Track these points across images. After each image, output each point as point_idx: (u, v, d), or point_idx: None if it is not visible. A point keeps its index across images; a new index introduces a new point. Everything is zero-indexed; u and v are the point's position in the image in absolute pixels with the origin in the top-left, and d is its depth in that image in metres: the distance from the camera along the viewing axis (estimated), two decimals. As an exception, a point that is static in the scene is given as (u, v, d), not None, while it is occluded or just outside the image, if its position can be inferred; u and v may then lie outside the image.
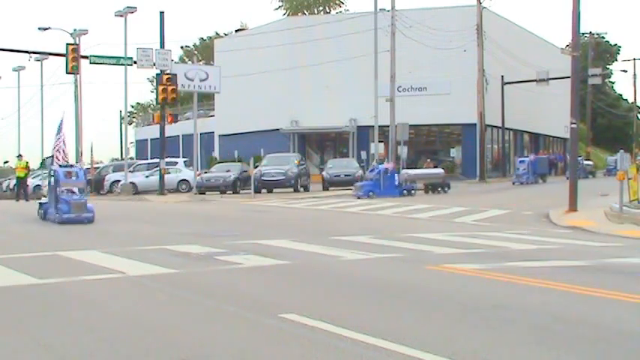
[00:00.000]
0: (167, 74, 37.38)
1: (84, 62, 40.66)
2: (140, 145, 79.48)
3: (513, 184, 44.60)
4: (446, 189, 35.58)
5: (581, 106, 42.08)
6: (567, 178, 49.22)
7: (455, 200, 30.65)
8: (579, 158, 51.72)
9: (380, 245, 15.00)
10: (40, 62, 48.15)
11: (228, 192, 39.50)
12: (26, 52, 44.27)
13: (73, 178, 21.46)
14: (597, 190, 32.75)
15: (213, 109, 65.37)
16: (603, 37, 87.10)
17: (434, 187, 35.37)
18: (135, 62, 39.83)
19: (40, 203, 22.89)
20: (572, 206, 24.07)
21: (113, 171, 46.15)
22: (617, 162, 61.85)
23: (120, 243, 15.74)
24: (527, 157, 48.36)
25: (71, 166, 22.64)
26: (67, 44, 40.40)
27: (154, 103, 77.56)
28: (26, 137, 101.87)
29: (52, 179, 21.80)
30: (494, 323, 8.02)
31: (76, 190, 21.59)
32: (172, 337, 7.51)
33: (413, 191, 33.65)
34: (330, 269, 12.04)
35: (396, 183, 33.71)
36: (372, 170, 35.13)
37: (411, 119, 44.27)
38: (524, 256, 13.53)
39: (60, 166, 21.77)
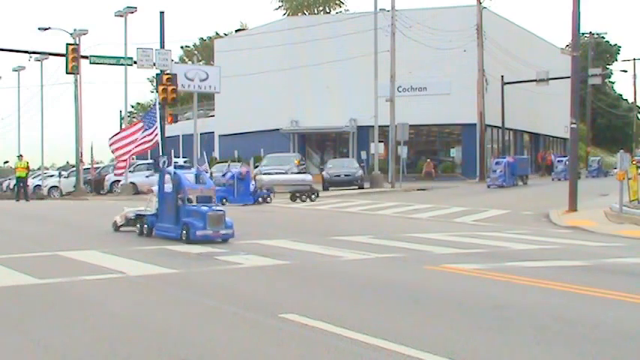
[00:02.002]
0: (167, 74, 37.32)
1: (84, 62, 40.71)
2: (140, 145, 79.47)
3: (488, 187, 41.30)
4: (313, 197, 31.52)
5: (581, 106, 42.12)
6: (553, 180, 49.72)
7: (455, 200, 30.67)
8: (564, 158, 51.82)
9: (380, 245, 15.00)
10: (40, 62, 48.07)
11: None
12: (26, 52, 44.28)
13: (201, 182, 16.48)
14: (596, 190, 32.76)
15: (213, 109, 65.37)
16: (603, 37, 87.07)
17: (300, 194, 31.47)
18: (135, 62, 39.83)
19: (138, 215, 17.43)
20: (572, 206, 24.08)
21: (113, 171, 46.14)
22: (599, 163, 61.72)
23: (120, 243, 15.73)
24: (504, 157, 45.19)
25: (189, 167, 18.18)
26: (67, 44, 40.43)
27: (154, 103, 77.60)
28: (26, 137, 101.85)
29: (169, 185, 16.55)
30: (494, 323, 8.02)
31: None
32: (172, 337, 7.51)
33: (269, 199, 30.17)
34: (330, 269, 12.04)
35: (251, 189, 29.96)
36: (224, 174, 31.14)
37: (411, 119, 44.28)
38: (524, 256, 13.53)
39: (177, 166, 17.17)
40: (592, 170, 57.22)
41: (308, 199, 31.34)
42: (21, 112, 53.75)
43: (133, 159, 19.39)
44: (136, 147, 18.60)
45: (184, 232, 15.35)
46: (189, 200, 16.03)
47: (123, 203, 33.46)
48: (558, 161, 53.04)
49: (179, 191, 16.02)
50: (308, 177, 33.94)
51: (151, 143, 18.39)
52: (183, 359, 6.67)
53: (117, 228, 17.98)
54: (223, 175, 31.13)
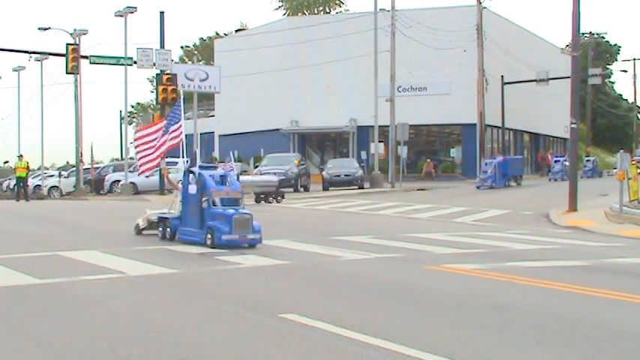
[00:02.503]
0: (167, 74, 37.37)
1: (84, 62, 40.67)
2: (140, 145, 79.40)
3: (478, 188, 40.03)
4: (279, 199, 30.44)
5: (581, 106, 42.09)
6: (550, 180, 49.10)
7: (455, 200, 30.67)
8: (561, 158, 51.50)
9: (380, 245, 15.00)
10: (40, 62, 48.04)
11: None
12: (26, 52, 44.24)
13: (228, 184, 15.44)
14: (596, 190, 32.75)
15: (213, 109, 65.38)
16: (603, 37, 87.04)
17: (266, 195, 30.24)
18: (135, 62, 39.81)
19: (160, 217, 16.50)
20: (572, 206, 24.07)
21: (113, 171, 46.10)
22: (594, 163, 60.38)
23: (120, 243, 15.72)
24: (494, 158, 43.59)
25: (214, 167, 16.98)
26: (67, 44, 40.41)
27: (154, 103, 77.56)
28: (26, 137, 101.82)
29: (193, 186, 15.49)
30: (494, 323, 8.02)
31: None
32: (172, 337, 7.51)
33: (271, 199, 29.71)
34: (330, 269, 12.04)
35: None
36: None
37: (411, 119, 44.29)
38: (525, 256, 13.54)
39: (202, 166, 15.93)
40: (587, 170, 55.88)
41: (274, 201, 30.14)
42: (21, 112, 53.74)
43: (164, 158, 18.31)
44: (161, 145, 17.50)
45: (209, 236, 14.47)
46: (214, 203, 14.97)
47: (123, 203, 33.50)
48: (555, 161, 52.36)
49: (203, 193, 15.01)
50: (274, 178, 32.47)
51: (177, 141, 17.35)
52: (183, 359, 6.67)
53: (139, 231, 17.14)
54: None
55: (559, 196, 25.01)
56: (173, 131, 17.36)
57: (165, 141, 17.75)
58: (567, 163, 50.08)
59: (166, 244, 15.29)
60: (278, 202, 30.31)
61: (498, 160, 41.98)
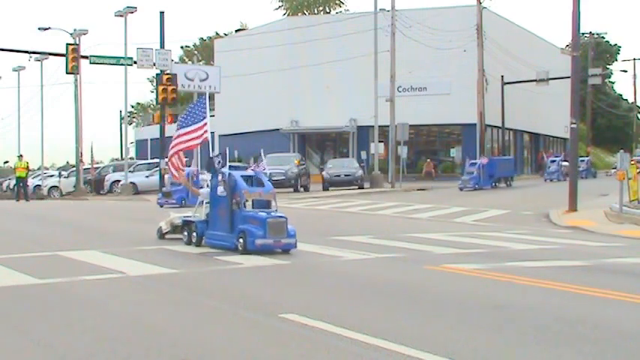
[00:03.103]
0: (167, 74, 37.39)
1: (84, 62, 40.68)
2: (140, 145, 79.47)
3: (461, 190, 38.38)
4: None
5: (581, 106, 42.04)
6: (546, 180, 48.28)
7: (455, 200, 30.67)
8: (558, 158, 50.91)
9: (380, 245, 15.00)
10: (40, 62, 48.06)
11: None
12: (26, 52, 44.25)
13: (259, 185, 14.66)
14: (596, 190, 32.74)
15: (213, 109, 65.37)
16: (603, 37, 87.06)
17: None
18: (135, 62, 39.83)
19: (185, 221, 15.53)
20: (572, 206, 24.07)
21: (113, 171, 46.14)
22: (588, 163, 58.86)
23: (120, 243, 15.73)
24: (478, 159, 41.88)
25: (244, 167, 15.64)
26: (67, 44, 40.42)
27: (154, 103, 77.56)
28: (26, 137, 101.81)
29: (221, 187, 14.65)
30: (494, 323, 8.02)
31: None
32: (172, 337, 7.51)
33: None
34: (330, 269, 12.04)
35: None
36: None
37: (411, 119, 44.28)
38: (525, 256, 13.54)
39: (233, 167, 15.23)
40: (581, 171, 54.03)
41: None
42: (21, 112, 53.77)
43: (183, 158, 17.16)
44: (182, 144, 16.31)
45: (241, 240, 13.61)
46: (245, 205, 14.13)
47: (123, 203, 33.52)
48: (551, 161, 51.09)
49: (234, 195, 14.13)
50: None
51: (200, 140, 16.05)
52: (183, 359, 6.67)
53: (162, 235, 16.19)
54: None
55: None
56: (196, 129, 16.14)
57: (186, 140, 16.32)
58: (563, 163, 50.12)
59: (166, 244, 15.28)
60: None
61: (482, 161, 40.63)
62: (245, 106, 58.33)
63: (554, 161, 50.90)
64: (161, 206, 27.88)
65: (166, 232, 16.16)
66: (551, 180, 48.23)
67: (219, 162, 14.79)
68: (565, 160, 51.56)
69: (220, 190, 14.61)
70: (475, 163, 40.22)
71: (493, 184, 40.50)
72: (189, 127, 16.27)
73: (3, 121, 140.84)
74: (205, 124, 16.02)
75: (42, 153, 49.01)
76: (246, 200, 14.06)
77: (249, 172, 15.21)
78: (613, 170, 62.15)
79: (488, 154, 47.32)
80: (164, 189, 30.32)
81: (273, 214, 13.93)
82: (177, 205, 27.35)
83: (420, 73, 50.90)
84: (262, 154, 18.96)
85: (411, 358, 6.61)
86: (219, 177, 14.65)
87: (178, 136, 16.36)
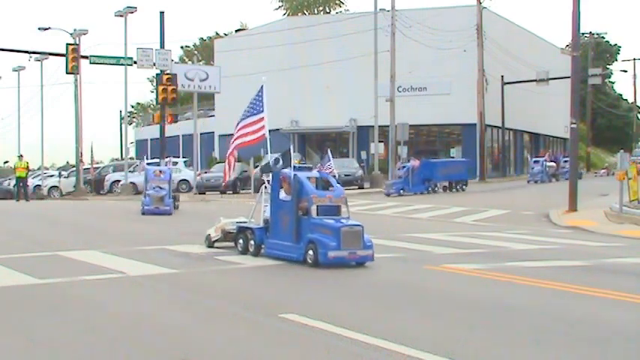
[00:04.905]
0: (167, 74, 37.37)
1: (84, 62, 40.67)
2: (140, 145, 79.44)
3: (387, 195, 34.51)
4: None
5: (581, 106, 41.97)
6: (529, 182, 46.57)
7: (455, 200, 30.66)
8: (542, 159, 49.70)
9: (380, 245, 14.97)
10: (40, 62, 48.03)
11: (228, 192, 39.47)
12: (26, 52, 44.24)
13: (329, 189, 13.14)
14: (595, 190, 32.73)
15: (213, 109, 65.35)
16: (603, 37, 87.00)
17: None
18: (135, 62, 39.82)
19: (241, 227, 13.97)
20: (572, 206, 24.07)
21: (113, 171, 46.14)
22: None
23: (120, 243, 15.72)
24: (408, 162, 37.24)
25: (309, 168, 14.94)
26: (67, 44, 40.40)
27: (154, 103, 77.54)
28: (26, 137, 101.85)
29: (283, 192, 13.21)
30: (494, 323, 8.02)
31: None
32: (172, 337, 7.50)
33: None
34: (330, 269, 12.02)
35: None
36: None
37: (411, 119, 44.27)
38: (525, 256, 13.54)
39: (297, 168, 13.76)
40: (565, 172, 49.44)
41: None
42: (21, 112, 53.73)
43: (234, 156, 16.04)
44: (241, 138, 14.94)
45: (310, 252, 12.07)
46: (312, 211, 12.47)
47: (123, 203, 33.49)
48: (534, 162, 48.26)
49: (300, 199, 12.57)
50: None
51: (257, 136, 14.61)
52: (183, 359, 6.67)
53: (211, 243, 14.64)
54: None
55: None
56: (251, 124, 14.72)
57: (240, 136, 15.14)
58: (548, 164, 49.05)
59: (166, 243, 15.27)
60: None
61: (412, 164, 36.01)
62: (245, 106, 58.16)
63: (537, 162, 48.44)
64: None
65: (216, 240, 14.64)
66: (535, 181, 46.27)
67: (276, 160, 13.21)
68: (552, 161, 50.09)
69: (283, 194, 13.11)
70: (405, 166, 36.19)
71: (428, 188, 36.11)
72: (248, 118, 15.24)
73: (3, 121, 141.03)
74: (262, 118, 14.78)
75: (42, 153, 49.00)
76: (314, 205, 12.44)
77: (314, 172, 13.93)
78: (602, 171, 61.82)
79: (449, 156, 44.15)
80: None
81: (346, 222, 12.43)
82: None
83: (420, 73, 50.85)
84: (330, 153, 17.45)
85: (411, 358, 6.61)
86: (281, 178, 13.22)
87: (239, 129, 15.07)
